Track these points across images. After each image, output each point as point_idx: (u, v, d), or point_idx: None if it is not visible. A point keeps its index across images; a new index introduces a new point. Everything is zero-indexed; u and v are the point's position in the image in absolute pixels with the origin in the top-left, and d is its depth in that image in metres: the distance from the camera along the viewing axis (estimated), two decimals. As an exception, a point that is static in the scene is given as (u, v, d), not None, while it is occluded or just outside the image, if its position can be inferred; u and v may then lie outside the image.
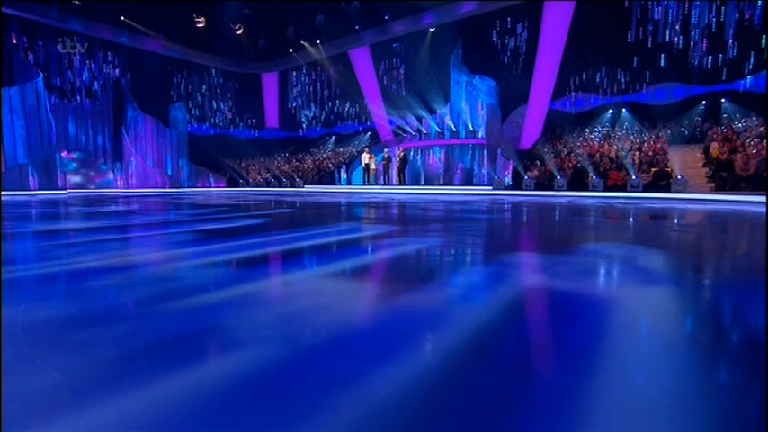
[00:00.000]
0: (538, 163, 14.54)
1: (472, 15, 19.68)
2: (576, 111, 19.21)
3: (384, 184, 17.42)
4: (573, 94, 19.08)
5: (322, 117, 29.25)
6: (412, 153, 21.44)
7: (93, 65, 21.81)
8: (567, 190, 12.38)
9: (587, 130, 17.95)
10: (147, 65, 22.79)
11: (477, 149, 18.82)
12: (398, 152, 18.66)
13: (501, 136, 18.21)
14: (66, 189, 18.79)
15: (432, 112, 22.34)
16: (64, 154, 20.60)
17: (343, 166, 22.29)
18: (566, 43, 17.33)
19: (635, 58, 16.97)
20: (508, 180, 14.78)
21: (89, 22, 20.97)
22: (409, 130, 22.71)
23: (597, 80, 18.31)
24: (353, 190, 16.93)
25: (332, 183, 21.66)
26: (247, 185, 23.78)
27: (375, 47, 23.52)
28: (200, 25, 23.03)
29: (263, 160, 27.13)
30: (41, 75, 18.05)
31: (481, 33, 19.74)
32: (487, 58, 19.60)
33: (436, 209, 7.41)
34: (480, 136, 18.59)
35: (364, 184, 18.53)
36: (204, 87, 27.59)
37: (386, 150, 19.34)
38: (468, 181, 18.00)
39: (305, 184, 20.75)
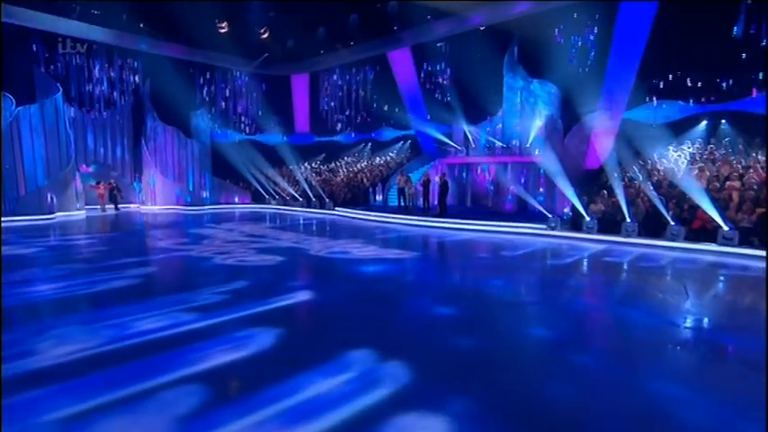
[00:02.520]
0: (605, 193, 12.83)
1: (531, 13, 18.06)
2: (658, 122, 17.20)
3: (423, 210, 16.27)
4: (655, 101, 17.11)
5: (357, 120, 28.53)
6: (457, 171, 20.18)
7: (111, 72, 21.97)
8: (638, 235, 10.69)
9: (672, 147, 15.97)
10: (167, 71, 22.71)
11: (533, 170, 17.26)
12: (437, 178, 17.47)
13: (562, 153, 16.53)
14: (83, 209, 18.86)
15: (480, 121, 20.92)
16: (82, 168, 20.82)
17: (379, 184, 21.27)
18: (648, 38, 15.34)
19: (742, 56, 14.83)
20: (567, 212, 13.18)
21: (108, 30, 21.13)
22: (453, 144, 21.38)
23: (688, 84, 16.29)
24: (385, 219, 15.92)
25: (366, 202, 20.71)
26: (273, 200, 23.23)
27: (417, 48, 22.39)
28: (223, 30, 22.68)
29: (291, 169, 26.71)
30: (60, 89, 18.14)
31: (541, 31, 18.09)
32: (548, 60, 17.93)
33: (479, 284, 6.18)
34: (537, 153, 16.99)
35: (399, 204, 17.51)
36: (228, 91, 27.44)
37: (425, 174, 18.23)
38: (521, 207, 16.49)
39: (335, 204, 19.86)
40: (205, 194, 22.73)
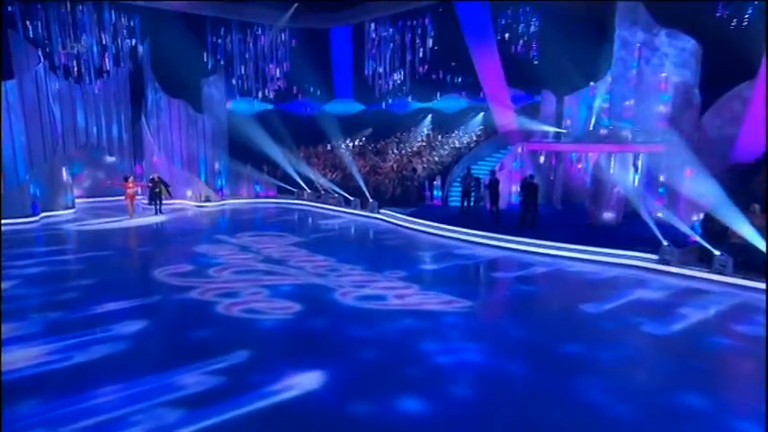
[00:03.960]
0: (756, 208, 11.64)
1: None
2: None
3: (494, 216, 15.94)
4: None
5: (413, 86, 28.24)
6: (544, 161, 19.50)
7: (103, 35, 22.88)
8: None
9: None
10: (171, 28, 23.33)
11: (653, 161, 16.28)
12: (498, 174, 17.05)
13: (697, 139, 15.44)
14: (74, 206, 20.04)
15: (577, 90, 20.12)
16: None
17: (438, 177, 20.97)
18: None
19: None
20: (695, 231, 12.22)
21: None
22: (548, 128, 20.63)
23: None
24: (444, 232, 15.73)
25: (420, 200, 20.55)
26: (304, 193, 23.56)
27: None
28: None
29: (329, 148, 26.87)
30: (42, 59, 19.10)
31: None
32: (683, 6, 16.64)
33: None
34: (660, 139, 15.97)
35: (463, 206, 17.43)
36: (249, 52, 27.85)
37: (496, 167, 17.81)
38: (628, 211, 15.60)
39: (380, 205, 19.76)
40: (220, 186, 23.48)
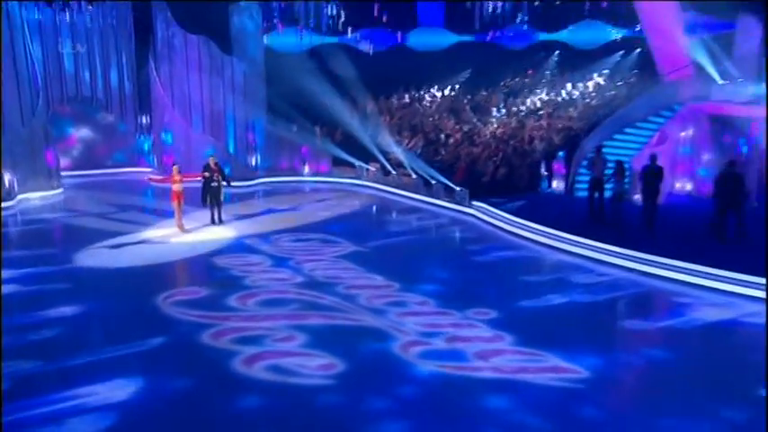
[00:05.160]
0: None
1: None
2: None
3: (648, 220, 15.32)
4: None
5: (531, 8, 27.75)
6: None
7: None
8: None
9: None
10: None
11: None
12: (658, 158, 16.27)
13: None
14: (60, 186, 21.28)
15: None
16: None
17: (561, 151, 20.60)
18: None
19: None
20: None
21: None
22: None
23: None
24: (567, 248, 15.40)
25: (532, 188, 20.35)
26: (368, 172, 23.81)
27: None
28: None
29: (406, 101, 26.86)
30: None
31: None
32: None
33: None
34: None
35: (593, 204, 16.78)
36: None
37: (655, 141, 17.19)
38: None
39: (473, 193, 19.40)
40: (255, 160, 24.24)
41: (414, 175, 21.87)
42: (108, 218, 18.77)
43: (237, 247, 15.79)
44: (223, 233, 17.18)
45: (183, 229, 17.06)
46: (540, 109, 24.05)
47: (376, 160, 23.49)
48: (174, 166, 17.40)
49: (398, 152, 23.20)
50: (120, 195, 21.29)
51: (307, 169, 24.97)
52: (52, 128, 22.07)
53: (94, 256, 14.95)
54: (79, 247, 15.44)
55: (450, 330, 10.42)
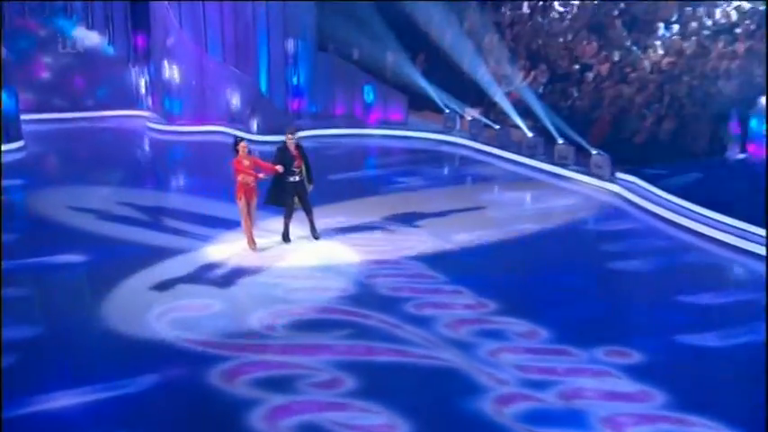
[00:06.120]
0: None
1: None
2: None
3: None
4: None
5: None
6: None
7: None
8: None
9: None
10: None
11: None
12: None
13: None
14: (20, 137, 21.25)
15: None
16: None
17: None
18: None
19: None
20: None
21: None
22: None
23: None
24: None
25: (714, 149, 19.57)
26: (466, 117, 23.45)
27: None
28: None
29: (524, 11, 26.37)
30: None
31: None
32: None
33: None
34: None
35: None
36: None
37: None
38: None
39: (620, 160, 18.85)
40: (297, 103, 23.95)
41: (527, 134, 21.48)
42: (114, 215, 17.64)
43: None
44: (328, 254, 15.07)
45: (254, 246, 15.09)
46: (735, 25, 22.46)
47: (476, 104, 23.02)
48: (241, 143, 15.17)
49: (508, 92, 22.87)
50: (116, 157, 21.57)
51: (371, 115, 24.90)
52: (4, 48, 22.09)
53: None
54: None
55: (568, 379, 9.64)
